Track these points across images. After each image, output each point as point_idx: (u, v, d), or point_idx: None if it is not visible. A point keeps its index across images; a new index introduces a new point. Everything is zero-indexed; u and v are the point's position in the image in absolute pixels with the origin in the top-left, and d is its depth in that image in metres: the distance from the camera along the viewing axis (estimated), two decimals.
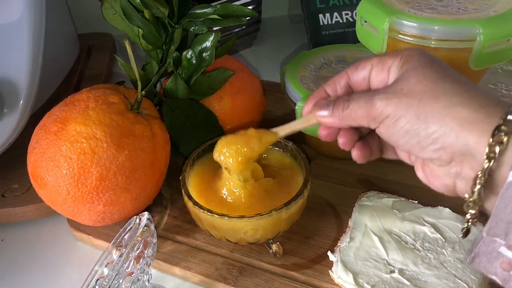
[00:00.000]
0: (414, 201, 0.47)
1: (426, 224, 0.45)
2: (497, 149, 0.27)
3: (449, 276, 0.40)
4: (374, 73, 0.34)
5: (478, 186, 0.28)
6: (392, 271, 0.41)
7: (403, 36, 0.44)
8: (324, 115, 0.35)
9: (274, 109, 0.62)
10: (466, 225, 0.31)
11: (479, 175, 0.28)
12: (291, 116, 0.52)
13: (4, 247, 0.50)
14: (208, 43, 0.47)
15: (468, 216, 0.30)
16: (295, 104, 0.51)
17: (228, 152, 0.40)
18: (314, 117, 0.36)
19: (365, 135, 0.37)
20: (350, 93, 0.36)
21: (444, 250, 0.42)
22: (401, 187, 0.51)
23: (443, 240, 0.43)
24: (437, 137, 0.29)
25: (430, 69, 0.31)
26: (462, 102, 0.29)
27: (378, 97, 0.31)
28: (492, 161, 0.27)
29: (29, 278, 0.47)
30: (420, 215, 0.46)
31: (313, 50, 0.59)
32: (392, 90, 0.31)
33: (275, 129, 0.40)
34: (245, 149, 0.40)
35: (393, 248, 0.43)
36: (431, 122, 0.29)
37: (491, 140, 0.27)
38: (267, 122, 0.59)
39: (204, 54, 0.47)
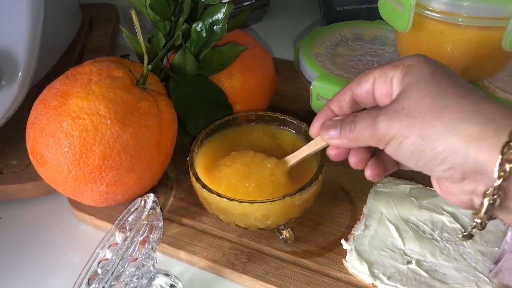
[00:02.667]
0: (431, 188, 0.45)
1: (445, 213, 0.43)
2: (508, 167, 0.25)
3: (469, 268, 0.38)
4: (378, 86, 0.32)
5: (486, 204, 0.27)
6: (409, 262, 0.39)
7: (430, 12, 0.40)
8: (332, 137, 0.34)
9: (286, 88, 0.59)
10: (468, 231, 0.30)
11: (488, 192, 0.27)
12: (304, 96, 0.50)
13: (1, 226, 0.48)
14: (220, 15, 0.44)
15: (473, 224, 0.29)
16: (310, 83, 0.48)
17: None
18: (322, 139, 0.35)
19: (378, 150, 0.35)
20: (357, 110, 0.35)
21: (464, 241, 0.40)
22: (418, 173, 0.48)
23: (463, 230, 0.41)
24: (444, 157, 0.28)
25: (431, 82, 0.29)
26: (465, 117, 0.27)
27: (381, 118, 0.30)
28: (501, 179, 0.26)
29: (27, 258, 0.45)
30: (438, 204, 0.44)
31: (329, 26, 0.56)
32: (394, 109, 0.30)
33: (285, 159, 0.41)
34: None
35: (410, 238, 0.41)
36: (435, 142, 0.28)
37: (500, 158, 0.25)
38: (278, 102, 0.56)
39: (215, 27, 0.44)
